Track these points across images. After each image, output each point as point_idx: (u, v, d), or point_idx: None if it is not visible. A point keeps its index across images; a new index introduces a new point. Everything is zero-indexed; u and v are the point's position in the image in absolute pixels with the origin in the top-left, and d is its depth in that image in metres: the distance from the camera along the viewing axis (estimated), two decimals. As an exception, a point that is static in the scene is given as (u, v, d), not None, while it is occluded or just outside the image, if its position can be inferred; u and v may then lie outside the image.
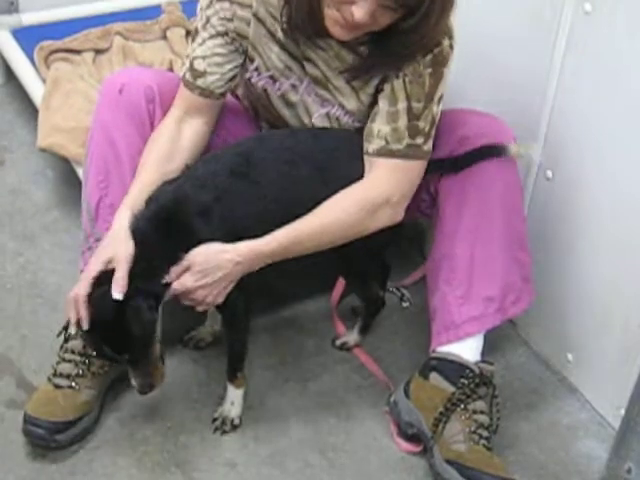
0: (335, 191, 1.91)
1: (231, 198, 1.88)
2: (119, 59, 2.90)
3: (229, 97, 2.12)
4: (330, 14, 1.80)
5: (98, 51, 2.96)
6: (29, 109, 2.93)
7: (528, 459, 2.06)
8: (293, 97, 2.03)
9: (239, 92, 2.18)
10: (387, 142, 1.93)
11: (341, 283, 2.37)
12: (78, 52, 2.93)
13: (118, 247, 1.81)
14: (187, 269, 1.83)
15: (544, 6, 2.05)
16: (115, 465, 1.97)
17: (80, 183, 2.43)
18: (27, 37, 2.97)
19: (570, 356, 2.24)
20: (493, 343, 2.08)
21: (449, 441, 1.95)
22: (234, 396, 2.07)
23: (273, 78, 2.01)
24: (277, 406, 2.13)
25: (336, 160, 1.97)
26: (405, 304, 2.46)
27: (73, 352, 2.02)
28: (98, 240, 2.03)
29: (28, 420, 1.96)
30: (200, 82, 1.97)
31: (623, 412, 2.05)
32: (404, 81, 1.90)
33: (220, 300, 1.89)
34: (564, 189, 2.13)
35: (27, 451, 1.97)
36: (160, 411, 2.09)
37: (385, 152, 1.93)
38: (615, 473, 1.61)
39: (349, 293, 2.38)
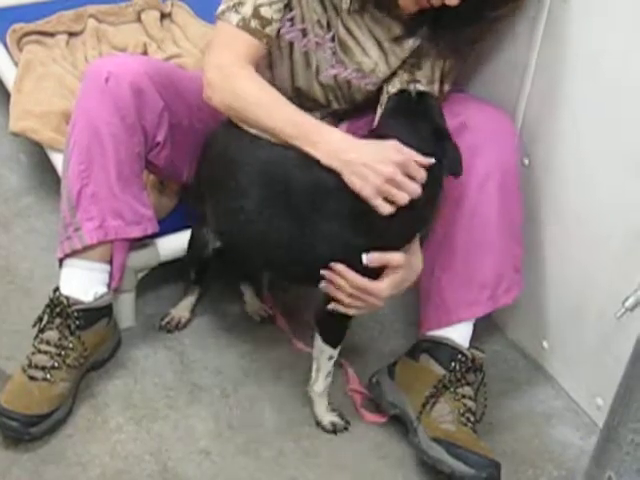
0: None
1: None
2: (93, 42, 2.87)
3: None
4: None
5: (71, 34, 2.93)
6: (1, 93, 2.90)
7: (503, 446, 2.05)
8: (312, 55, 2.05)
9: None
10: None
11: None
12: (51, 35, 2.90)
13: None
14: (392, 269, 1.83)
15: (522, -7, 2.05)
16: (88, 453, 1.95)
17: (54, 168, 2.43)
18: (-1, 19, 2.93)
19: (545, 343, 2.24)
20: (469, 330, 2.08)
21: (438, 420, 1.95)
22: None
23: (304, 32, 2.02)
24: (252, 394, 2.12)
25: None
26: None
27: (48, 343, 2.00)
28: (77, 230, 2.02)
29: (2, 412, 1.92)
30: (269, 30, 1.94)
31: (598, 400, 2.07)
32: (444, 62, 2.04)
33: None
34: (540, 176, 2.13)
35: (-1, 440, 1.96)
36: (134, 399, 2.08)
37: None
38: (595, 482, 1.62)
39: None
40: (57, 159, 2.40)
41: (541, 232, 2.17)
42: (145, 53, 2.83)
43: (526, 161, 2.14)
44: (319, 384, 2.03)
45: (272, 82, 1.99)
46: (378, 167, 1.74)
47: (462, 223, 2.03)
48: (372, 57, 2.05)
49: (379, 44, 2.03)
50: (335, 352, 1.99)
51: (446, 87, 2.07)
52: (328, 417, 2.05)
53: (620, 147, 1.90)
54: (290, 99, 1.91)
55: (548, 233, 2.15)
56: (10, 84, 2.69)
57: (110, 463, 1.94)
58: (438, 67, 2.05)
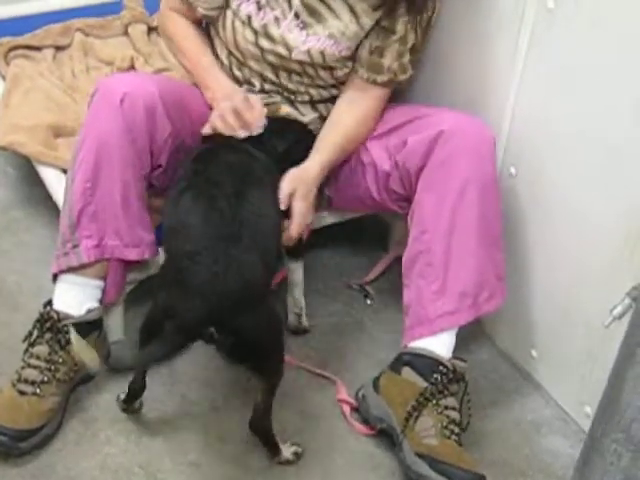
0: None
1: None
2: (79, 56, 2.87)
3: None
4: None
5: (58, 48, 2.92)
6: (-11, 107, 2.89)
7: (493, 456, 2.06)
8: (274, 31, 2.11)
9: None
10: (395, 75, 2.17)
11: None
12: (38, 49, 2.89)
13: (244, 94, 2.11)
14: (292, 195, 2.02)
15: (506, 3, 2.05)
16: (78, 467, 1.95)
17: (42, 182, 2.42)
18: (-14, 33, 2.92)
19: (534, 352, 2.24)
20: (458, 340, 2.08)
21: (420, 435, 1.94)
22: None
23: (259, 5, 2.09)
24: (241, 405, 2.11)
25: None
26: (369, 301, 2.46)
27: (38, 358, 1.99)
28: (75, 247, 2.01)
29: None
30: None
31: (587, 409, 2.07)
32: (416, 23, 2.12)
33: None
34: (527, 186, 2.14)
35: (-13, 455, 1.95)
36: (122, 412, 2.07)
37: (392, 84, 2.20)
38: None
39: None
40: (45, 172, 2.40)
41: (529, 241, 2.17)
42: (132, 67, 2.83)
43: (513, 170, 2.15)
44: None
45: (241, 62, 2.21)
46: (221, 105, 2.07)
47: (441, 232, 2.04)
48: (343, 20, 2.10)
49: (350, 8, 2.10)
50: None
51: (421, 40, 2.17)
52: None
53: (608, 156, 1.91)
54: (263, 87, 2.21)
55: (536, 242, 2.16)
56: (-2, 98, 2.69)
57: (100, 476, 1.93)
58: (411, 24, 2.12)
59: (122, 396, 2.06)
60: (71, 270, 2.04)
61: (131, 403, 2.06)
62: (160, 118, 2.03)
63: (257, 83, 2.22)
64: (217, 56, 2.26)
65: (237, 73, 2.23)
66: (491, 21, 2.12)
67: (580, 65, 1.92)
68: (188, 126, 2.12)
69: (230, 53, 2.21)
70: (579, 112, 1.95)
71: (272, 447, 1.99)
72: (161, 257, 2.16)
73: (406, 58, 2.14)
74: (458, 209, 2.03)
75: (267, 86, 2.22)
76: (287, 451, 2.00)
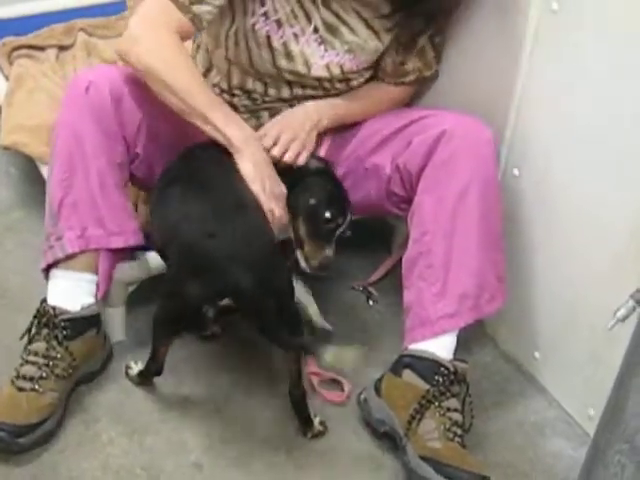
0: None
1: None
2: (83, 55, 2.87)
3: None
4: None
5: (62, 47, 2.93)
6: (-9, 106, 2.90)
7: (496, 458, 2.05)
8: (294, 47, 2.11)
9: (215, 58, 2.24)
10: (420, 72, 2.27)
11: None
12: (42, 48, 2.90)
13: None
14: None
15: (510, 4, 2.05)
16: (80, 468, 1.94)
17: (44, 182, 2.41)
18: (-11, 33, 2.93)
19: (538, 354, 2.24)
20: (461, 342, 2.07)
21: (424, 438, 1.94)
22: None
23: (279, 23, 2.08)
24: (243, 407, 2.12)
25: None
26: (371, 303, 2.46)
27: (36, 354, 2.00)
28: (59, 239, 2.02)
29: None
30: (195, 8, 1.99)
31: (590, 411, 2.07)
32: (432, 41, 2.22)
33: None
34: (531, 187, 2.13)
35: (-11, 455, 1.95)
36: (125, 413, 2.07)
37: (418, 81, 2.29)
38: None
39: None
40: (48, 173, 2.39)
41: (533, 242, 2.17)
42: (136, 66, 2.82)
43: (516, 172, 2.14)
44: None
45: (246, 71, 2.17)
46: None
47: (442, 234, 2.03)
48: (361, 35, 2.13)
49: (367, 23, 2.13)
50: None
51: (440, 39, 2.24)
52: None
53: (611, 158, 1.90)
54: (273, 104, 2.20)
55: (540, 243, 2.15)
56: (1, 98, 2.69)
57: (102, 477, 1.93)
58: (429, 35, 2.21)
59: (135, 368, 2.12)
60: (59, 264, 2.04)
61: (145, 378, 2.11)
62: (128, 103, 2.04)
63: (259, 97, 2.21)
64: (210, 67, 2.25)
65: (235, 84, 2.22)
66: (495, 22, 2.12)
67: (584, 66, 1.91)
68: (165, 120, 2.10)
69: (230, 63, 2.20)
70: (583, 113, 1.94)
71: (306, 418, 2.04)
72: (151, 259, 2.17)
73: (430, 55, 2.24)
74: (459, 211, 2.02)
75: (268, 98, 2.22)
76: (316, 422, 2.05)
